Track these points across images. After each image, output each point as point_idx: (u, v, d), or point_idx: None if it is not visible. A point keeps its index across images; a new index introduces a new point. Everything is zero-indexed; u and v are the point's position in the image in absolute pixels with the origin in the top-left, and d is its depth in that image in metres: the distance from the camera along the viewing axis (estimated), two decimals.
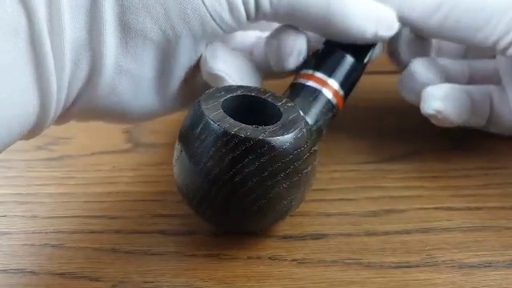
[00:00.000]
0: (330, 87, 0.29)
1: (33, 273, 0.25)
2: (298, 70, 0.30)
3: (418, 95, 0.32)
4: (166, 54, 0.27)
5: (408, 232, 0.28)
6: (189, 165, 0.25)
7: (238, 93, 0.26)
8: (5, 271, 0.25)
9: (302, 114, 0.26)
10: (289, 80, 0.30)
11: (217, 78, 0.28)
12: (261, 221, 0.26)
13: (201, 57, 0.29)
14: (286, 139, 0.24)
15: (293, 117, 0.25)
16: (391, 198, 0.30)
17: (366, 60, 0.31)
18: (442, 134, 0.36)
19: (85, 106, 0.27)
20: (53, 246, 0.27)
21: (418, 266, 0.26)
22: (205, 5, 0.27)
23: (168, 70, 0.28)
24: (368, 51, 0.31)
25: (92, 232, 0.28)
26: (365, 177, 0.32)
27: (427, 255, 0.26)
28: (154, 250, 0.27)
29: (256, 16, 0.28)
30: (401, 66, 0.33)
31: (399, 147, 0.34)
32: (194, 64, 0.29)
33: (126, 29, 0.26)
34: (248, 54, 0.31)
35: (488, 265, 0.26)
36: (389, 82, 0.44)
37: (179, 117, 0.28)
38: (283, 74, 0.31)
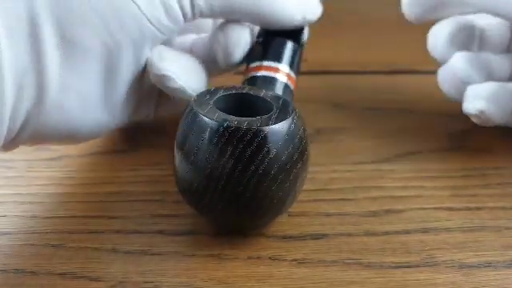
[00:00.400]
0: (282, 72, 0.30)
1: (33, 273, 0.25)
2: (245, 63, 0.31)
3: (458, 91, 0.31)
4: (109, 65, 0.28)
5: (408, 232, 0.28)
6: (189, 164, 0.25)
7: (228, 92, 0.27)
8: (5, 271, 0.25)
9: (292, 103, 0.26)
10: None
11: (165, 78, 0.29)
12: (265, 211, 0.26)
13: (147, 61, 0.29)
14: (281, 126, 0.24)
15: (284, 106, 0.26)
16: (391, 197, 0.30)
17: (302, 42, 0.33)
18: (441, 133, 0.36)
19: (34, 129, 0.27)
20: (53, 246, 0.27)
21: (417, 266, 0.26)
22: (141, 10, 0.27)
23: (113, 80, 0.28)
24: (301, 34, 0.32)
25: (92, 232, 0.28)
26: (364, 177, 0.32)
27: (427, 255, 0.26)
28: (154, 250, 0.27)
29: (193, 15, 0.29)
30: (441, 58, 0.33)
31: (399, 147, 0.34)
32: (139, 71, 0.29)
33: (67, 45, 0.26)
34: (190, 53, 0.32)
35: (488, 265, 0.26)
36: (389, 81, 0.44)
37: (179, 117, 0.28)
38: (228, 69, 0.32)
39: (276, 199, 0.25)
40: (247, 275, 0.25)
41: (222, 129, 0.24)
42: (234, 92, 0.27)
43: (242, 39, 0.30)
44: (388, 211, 0.29)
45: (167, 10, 0.28)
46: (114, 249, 0.27)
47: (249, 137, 0.24)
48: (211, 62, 0.31)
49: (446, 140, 0.35)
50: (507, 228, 0.28)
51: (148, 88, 0.31)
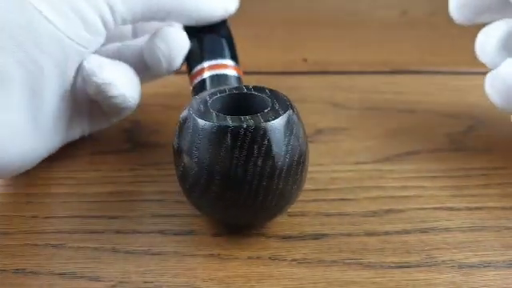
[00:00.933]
0: (230, 67, 0.30)
1: (33, 273, 0.25)
2: (186, 66, 0.32)
3: (508, 100, 0.30)
4: (33, 90, 0.27)
5: (408, 232, 0.28)
6: (192, 166, 0.25)
7: (222, 93, 0.27)
8: (5, 271, 0.25)
9: (287, 98, 0.26)
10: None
11: (108, 86, 0.29)
12: (273, 205, 0.26)
13: (86, 72, 0.29)
14: (279, 122, 0.24)
15: (280, 102, 0.26)
16: (391, 197, 0.30)
17: (230, 32, 0.33)
18: (441, 133, 0.36)
19: None
20: (53, 246, 0.27)
21: (417, 266, 0.26)
22: (59, 29, 0.26)
23: (40, 104, 0.28)
24: (225, 25, 0.33)
25: (92, 232, 0.28)
26: (364, 177, 0.32)
27: (427, 255, 0.26)
28: (154, 250, 0.27)
29: (115, 22, 0.28)
30: (490, 63, 0.32)
31: (399, 147, 0.34)
32: (66, 90, 0.29)
33: None
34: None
35: (488, 265, 0.26)
36: (388, 81, 0.44)
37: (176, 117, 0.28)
38: (165, 74, 0.32)
39: (278, 196, 0.25)
40: (247, 275, 0.25)
41: (220, 130, 0.24)
42: (227, 93, 0.27)
43: (183, 44, 0.31)
44: (388, 211, 0.29)
45: (86, 24, 0.27)
46: (113, 249, 0.27)
47: (249, 135, 0.24)
48: (142, 69, 0.32)
49: (446, 140, 0.35)
50: (507, 228, 0.28)
51: (78, 105, 0.30)
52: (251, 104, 0.27)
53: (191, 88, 0.31)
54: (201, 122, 0.24)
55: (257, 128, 0.24)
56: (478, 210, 0.29)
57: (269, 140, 0.24)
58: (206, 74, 0.30)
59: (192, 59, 0.31)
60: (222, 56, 0.31)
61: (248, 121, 0.24)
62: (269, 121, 0.24)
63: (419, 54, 0.50)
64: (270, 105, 0.26)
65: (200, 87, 0.30)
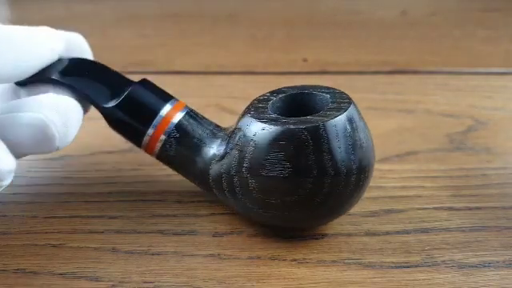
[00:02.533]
0: (167, 111, 0.28)
1: (33, 273, 0.25)
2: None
3: None
4: None
5: (408, 232, 0.28)
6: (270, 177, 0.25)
7: (282, 95, 0.27)
8: (5, 271, 0.25)
9: (346, 94, 0.26)
10: None
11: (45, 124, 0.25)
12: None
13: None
14: (341, 118, 0.24)
15: (340, 99, 0.26)
16: (391, 197, 0.30)
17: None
18: (441, 133, 0.36)
19: None
20: (53, 246, 0.27)
21: (417, 266, 0.26)
22: None
23: None
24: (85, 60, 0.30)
25: (92, 232, 0.28)
26: None
27: (427, 255, 0.26)
28: (154, 250, 0.27)
29: None
30: None
31: (399, 147, 0.34)
32: None
33: None
34: None
35: (488, 265, 0.26)
36: (388, 81, 0.44)
37: None
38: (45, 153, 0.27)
39: (346, 198, 0.25)
40: (247, 275, 0.25)
41: (286, 133, 0.24)
42: (285, 94, 0.27)
43: (78, 118, 0.27)
44: (388, 211, 0.29)
45: None
46: (114, 249, 0.27)
47: (311, 135, 0.24)
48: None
49: (446, 140, 0.35)
50: (507, 228, 0.28)
51: None
52: (311, 102, 0.27)
53: (156, 151, 0.28)
54: (263, 125, 0.25)
55: (317, 128, 0.24)
56: (477, 210, 0.29)
57: (332, 138, 0.24)
58: (178, 116, 0.28)
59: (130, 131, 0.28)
60: (157, 106, 0.28)
61: (308, 122, 0.24)
62: (330, 119, 0.24)
63: (419, 54, 0.50)
64: (329, 103, 0.26)
65: (167, 155, 0.28)
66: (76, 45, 0.30)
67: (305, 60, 0.48)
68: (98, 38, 0.54)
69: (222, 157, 0.26)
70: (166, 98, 0.28)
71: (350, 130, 0.25)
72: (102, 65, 0.29)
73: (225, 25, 0.60)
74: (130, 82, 0.28)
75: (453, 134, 0.36)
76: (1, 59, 0.25)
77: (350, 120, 0.25)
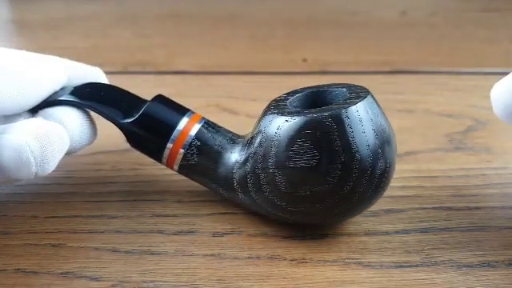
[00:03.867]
0: (186, 122, 0.28)
1: (33, 272, 0.25)
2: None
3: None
4: None
5: (407, 232, 0.28)
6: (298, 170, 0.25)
7: (298, 94, 0.27)
8: (5, 271, 0.25)
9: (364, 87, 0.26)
10: None
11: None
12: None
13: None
14: (362, 104, 0.25)
15: (357, 90, 0.26)
16: (391, 197, 0.30)
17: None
18: (441, 133, 0.36)
19: None
20: (53, 246, 0.27)
21: (417, 266, 0.26)
22: None
23: None
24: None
25: (92, 232, 0.28)
26: None
27: (426, 255, 0.26)
28: (154, 250, 0.27)
29: None
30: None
31: (399, 147, 0.34)
32: None
33: None
34: None
35: (487, 265, 0.26)
36: (388, 81, 0.44)
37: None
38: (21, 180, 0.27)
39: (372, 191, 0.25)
40: (247, 275, 0.25)
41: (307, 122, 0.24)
42: (301, 93, 0.27)
43: (63, 145, 0.27)
44: (388, 211, 0.29)
45: None
46: (114, 249, 0.27)
47: (335, 122, 0.24)
48: None
49: (446, 140, 0.35)
50: (507, 228, 0.28)
51: None
52: (329, 99, 0.27)
53: (177, 164, 0.28)
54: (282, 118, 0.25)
55: (337, 114, 0.24)
56: (477, 210, 0.29)
57: (353, 125, 0.24)
58: (195, 129, 0.28)
59: (148, 147, 0.29)
60: (172, 122, 0.28)
61: (328, 108, 0.25)
62: (347, 107, 0.25)
63: (419, 54, 0.50)
64: (347, 95, 0.26)
65: (190, 166, 0.28)
66: (94, 79, 0.31)
67: (305, 60, 0.48)
68: (98, 38, 0.54)
69: (246, 160, 0.26)
70: (183, 111, 0.29)
71: (371, 116, 0.25)
72: (116, 87, 0.30)
73: (225, 25, 0.60)
74: (145, 101, 0.29)
75: (452, 133, 0.36)
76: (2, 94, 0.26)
77: (371, 106, 0.25)
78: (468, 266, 0.26)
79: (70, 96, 0.29)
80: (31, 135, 0.25)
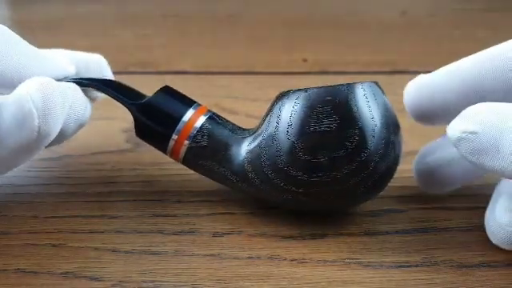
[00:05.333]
0: (191, 114, 0.28)
1: (33, 273, 0.25)
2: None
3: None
4: None
5: (407, 232, 0.28)
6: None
7: (308, 91, 0.27)
8: (5, 271, 0.25)
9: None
10: None
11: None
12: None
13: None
14: (373, 84, 0.27)
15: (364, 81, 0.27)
16: (390, 197, 0.30)
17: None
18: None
19: None
20: (53, 246, 0.27)
21: (417, 266, 0.26)
22: None
23: None
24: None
25: (92, 232, 0.28)
26: None
27: (426, 255, 0.26)
28: (154, 250, 0.27)
29: None
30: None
31: None
32: None
33: None
34: None
35: (487, 265, 0.26)
36: (388, 81, 0.44)
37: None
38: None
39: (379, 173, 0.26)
40: (247, 275, 0.25)
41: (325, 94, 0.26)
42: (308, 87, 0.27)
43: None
44: (388, 211, 0.29)
45: None
46: (114, 249, 0.27)
47: (352, 92, 0.26)
48: None
49: None
50: None
51: None
52: None
53: (181, 156, 0.28)
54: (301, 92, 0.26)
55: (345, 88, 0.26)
56: (477, 210, 0.29)
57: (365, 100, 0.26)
58: (201, 120, 0.28)
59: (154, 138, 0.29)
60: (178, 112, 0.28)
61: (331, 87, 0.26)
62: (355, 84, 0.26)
63: (419, 55, 0.50)
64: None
65: (196, 150, 0.28)
66: (96, 66, 0.31)
67: (305, 60, 0.48)
68: (98, 38, 0.54)
69: (259, 140, 0.27)
70: (189, 102, 0.29)
71: (382, 95, 0.27)
72: (120, 82, 0.30)
73: (225, 25, 0.60)
74: (150, 97, 0.29)
75: None
76: (15, 70, 0.26)
77: (381, 88, 0.27)
78: (468, 266, 0.26)
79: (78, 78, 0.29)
80: (33, 87, 0.24)
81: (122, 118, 0.34)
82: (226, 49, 0.53)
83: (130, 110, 0.29)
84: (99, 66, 0.31)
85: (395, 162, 0.27)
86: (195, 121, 0.28)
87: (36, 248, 0.27)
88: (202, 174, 0.29)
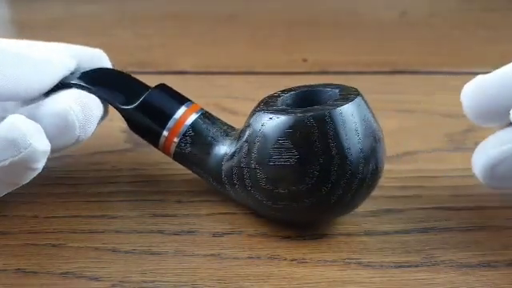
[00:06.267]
0: (184, 111, 0.29)
1: (33, 273, 0.25)
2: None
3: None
4: None
5: (407, 232, 0.28)
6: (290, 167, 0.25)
7: (292, 92, 0.27)
8: (5, 271, 0.25)
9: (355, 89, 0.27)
10: None
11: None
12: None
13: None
14: (347, 107, 0.25)
15: (348, 92, 0.26)
16: (390, 197, 0.30)
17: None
18: (441, 134, 0.36)
19: None
20: (53, 246, 0.27)
21: (417, 266, 0.26)
22: None
23: None
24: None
25: (92, 232, 0.28)
26: None
27: (426, 255, 0.26)
28: (154, 250, 0.27)
29: None
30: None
31: (398, 147, 0.34)
32: None
33: None
34: None
35: (487, 265, 0.26)
36: (388, 81, 0.44)
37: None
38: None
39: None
40: (247, 275, 0.25)
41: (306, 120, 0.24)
42: (295, 92, 0.27)
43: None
44: (388, 211, 0.29)
45: None
46: (114, 249, 0.27)
47: (316, 123, 0.24)
48: None
49: (446, 140, 0.35)
50: (507, 228, 0.28)
51: None
52: (322, 99, 0.27)
53: (172, 152, 0.29)
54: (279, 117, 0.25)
55: (324, 113, 0.25)
56: (477, 210, 0.29)
57: (345, 125, 0.25)
58: (191, 118, 0.28)
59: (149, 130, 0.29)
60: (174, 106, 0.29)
61: (316, 108, 0.25)
62: (337, 107, 0.25)
63: (419, 54, 0.50)
64: (338, 96, 0.26)
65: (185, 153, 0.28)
66: (97, 61, 0.32)
67: (305, 60, 0.48)
68: (98, 38, 0.54)
69: (233, 153, 0.27)
70: (182, 100, 0.29)
71: (357, 120, 0.25)
72: (121, 71, 0.31)
73: (225, 25, 0.60)
74: (148, 87, 0.29)
75: (452, 133, 0.36)
76: (15, 82, 0.27)
77: (358, 109, 0.25)
78: (468, 266, 0.26)
79: (78, 80, 0.29)
80: (74, 101, 0.27)
81: (122, 118, 0.34)
82: (226, 49, 0.53)
83: (122, 114, 0.29)
84: (100, 60, 0.32)
85: (364, 189, 0.26)
86: (186, 118, 0.28)
87: (36, 248, 0.27)
88: (192, 171, 0.29)
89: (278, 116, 0.25)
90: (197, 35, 0.56)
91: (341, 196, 0.25)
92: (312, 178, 0.25)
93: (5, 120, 0.25)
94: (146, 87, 0.30)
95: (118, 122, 0.35)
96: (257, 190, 0.26)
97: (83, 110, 0.27)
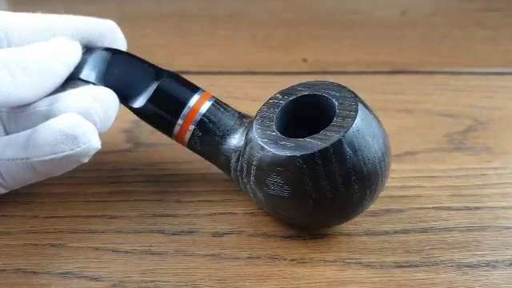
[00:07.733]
0: (196, 100, 0.29)
1: (33, 273, 0.25)
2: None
3: None
4: None
5: (407, 232, 0.28)
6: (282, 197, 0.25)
7: (292, 97, 0.27)
8: (5, 271, 0.25)
9: (355, 97, 0.26)
10: None
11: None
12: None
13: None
14: (339, 143, 0.24)
15: (346, 110, 0.25)
16: (390, 197, 0.30)
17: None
18: (441, 134, 0.36)
19: None
20: (53, 246, 0.27)
21: (417, 266, 0.26)
22: None
23: None
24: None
25: (92, 232, 0.28)
26: None
27: (426, 255, 0.26)
28: (154, 250, 0.27)
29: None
30: None
31: (398, 147, 0.34)
32: None
33: None
34: None
35: (487, 265, 0.26)
36: (388, 81, 0.44)
37: None
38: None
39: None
40: (247, 275, 0.25)
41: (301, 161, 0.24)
42: (295, 97, 0.27)
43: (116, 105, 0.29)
44: (388, 211, 0.29)
45: None
46: (114, 249, 0.27)
47: (306, 164, 0.24)
48: None
49: (446, 140, 0.35)
50: (507, 228, 0.28)
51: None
52: (322, 106, 0.26)
53: (186, 140, 0.29)
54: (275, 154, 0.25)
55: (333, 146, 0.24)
56: (477, 210, 0.29)
57: (352, 148, 0.24)
58: (205, 106, 0.29)
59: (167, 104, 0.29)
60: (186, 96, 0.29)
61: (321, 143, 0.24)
62: (344, 132, 0.24)
63: (419, 54, 0.49)
64: (337, 109, 0.25)
65: (198, 136, 0.28)
66: (108, 32, 0.32)
67: (305, 60, 0.48)
68: None
69: (239, 154, 0.27)
70: (194, 88, 0.29)
71: (350, 153, 0.24)
72: (131, 56, 0.31)
73: (225, 25, 0.60)
74: (159, 72, 0.30)
75: (452, 133, 0.36)
76: (18, 88, 0.27)
77: (352, 141, 0.24)
78: (468, 266, 0.26)
79: (87, 76, 0.29)
80: (94, 98, 0.27)
81: (122, 118, 0.34)
82: (225, 49, 0.52)
83: (133, 112, 0.30)
84: (112, 33, 0.32)
85: (359, 210, 0.26)
86: (200, 106, 0.28)
87: (36, 248, 0.27)
88: (206, 159, 0.29)
89: (270, 150, 0.25)
90: (197, 35, 0.56)
91: (339, 214, 0.26)
92: (307, 208, 0.25)
93: (59, 116, 0.26)
94: (157, 72, 0.30)
95: (117, 122, 0.35)
96: (258, 202, 0.27)
97: (103, 107, 0.27)
